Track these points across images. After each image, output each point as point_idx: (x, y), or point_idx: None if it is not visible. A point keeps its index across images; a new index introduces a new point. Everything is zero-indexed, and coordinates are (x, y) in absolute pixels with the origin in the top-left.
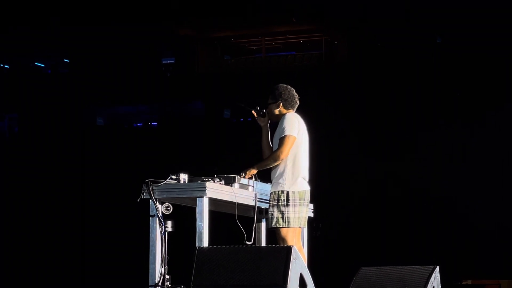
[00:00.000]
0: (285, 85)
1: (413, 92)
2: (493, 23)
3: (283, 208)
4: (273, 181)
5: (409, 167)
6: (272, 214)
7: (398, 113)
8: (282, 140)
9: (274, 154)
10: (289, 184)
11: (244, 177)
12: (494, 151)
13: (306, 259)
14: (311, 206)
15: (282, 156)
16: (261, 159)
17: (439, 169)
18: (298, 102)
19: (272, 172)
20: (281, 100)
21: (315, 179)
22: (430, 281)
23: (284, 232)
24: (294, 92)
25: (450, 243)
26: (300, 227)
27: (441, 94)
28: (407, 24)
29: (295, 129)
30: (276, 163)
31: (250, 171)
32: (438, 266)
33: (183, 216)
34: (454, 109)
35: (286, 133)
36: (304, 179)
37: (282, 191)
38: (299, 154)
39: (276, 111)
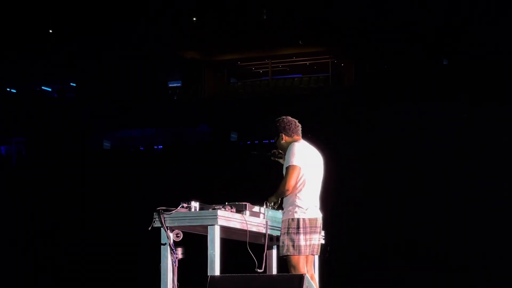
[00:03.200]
0: (279, 117)
1: (419, 110)
2: None
3: (293, 236)
4: (284, 209)
5: (418, 187)
6: (283, 242)
7: (404, 133)
8: (286, 171)
9: (281, 186)
10: (299, 212)
11: (274, 206)
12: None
13: (317, 287)
14: (322, 233)
15: (287, 186)
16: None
17: (443, 190)
18: (299, 125)
19: (284, 200)
20: (281, 131)
21: (324, 204)
22: None
23: (295, 260)
24: (290, 118)
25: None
26: (312, 255)
27: (446, 105)
28: (413, 45)
29: (299, 158)
30: (284, 194)
31: (270, 199)
32: None
33: (194, 241)
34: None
35: (289, 163)
36: (315, 206)
37: (293, 219)
38: (309, 182)
39: (283, 143)
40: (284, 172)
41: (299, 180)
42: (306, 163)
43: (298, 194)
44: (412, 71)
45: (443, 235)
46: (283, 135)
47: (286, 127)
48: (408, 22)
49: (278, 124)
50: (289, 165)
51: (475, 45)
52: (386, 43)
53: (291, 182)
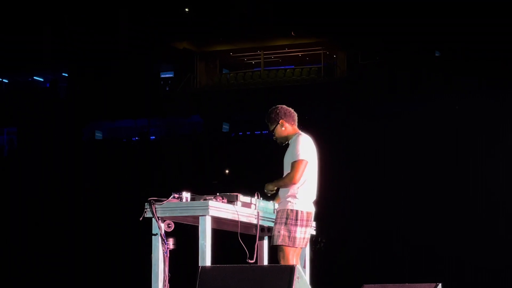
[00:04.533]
0: (275, 106)
1: (411, 101)
2: None
3: (291, 227)
4: (282, 199)
5: (410, 181)
6: (279, 232)
7: (397, 124)
8: (294, 164)
9: (287, 179)
10: (299, 204)
11: (272, 191)
12: None
13: (307, 279)
14: (313, 224)
15: (295, 181)
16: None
17: (437, 184)
18: (296, 114)
19: (282, 189)
20: (281, 118)
21: (319, 197)
22: None
23: (287, 250)
24: (287, 107)
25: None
26: (301, 248)
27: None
28: (406, 37)
29: (306, 152)
30: (288, 187)
31: (268, 187)
32: (440, 284)
33: (185, 231)
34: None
35: (300, 157)
36: (313, 200)
37: (292, 210)
38: (310, 176)
39: (283, 131)
40: (284, 162)
41: (303, 174)
42: (310, 157)
43: (300, 187)
44: (405, 63)
45: (441, 229)
46: (284, 121)
47: (287, 113)
48: (401, 14)
49: (278, 111)
50: (298, 160)
51: (468, 39)
52: (379, 35)
53: (298, 176)
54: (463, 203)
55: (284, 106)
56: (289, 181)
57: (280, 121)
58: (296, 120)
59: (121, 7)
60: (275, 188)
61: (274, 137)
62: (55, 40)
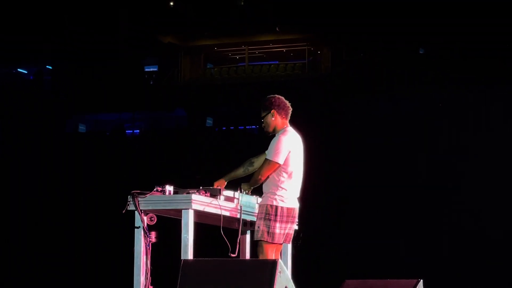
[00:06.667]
0: (273, 95)
1: (395, 98)
2: None
3: (270, 223)
4: (264, 194)
5: (395, 175)
6: (259, 227)
7: (380, 121)
8: (264, 163)
9: (255, 176)
10: (279, 199)
11: (248, 193)
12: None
13: (289, 274)
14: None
15: (260, 176)
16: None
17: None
18: (290, 108)
19: (264, 184)
20: (274, 108)
21: (301, 194)
22: None
23: (266, 246)
24: (284, 99)
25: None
26: (281, 244)
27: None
28: (390, 34)
29: (282, 154)
30: (258, 184)
31: (244, 187)
32: (422, 280)
33: (168, 225)
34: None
35: (271, 158)
36: (295, 197)
37: (271, 205)
38: (294, 173)
39: (272, 121)
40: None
41: (284, 172)
42: (292, 156)
43: (281, 185)
44: (389, 60)
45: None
46: (275, 112)
47: (281, 105)
48: (387, 10)
49: (272, 100)
50: (270, 160)
51: (452, 34)
52: (363, 31)
53: (266, 175)
54: (454, 199)
55: (281, 97)
56: (257, 177)
57: (272, 110)
58: (289, 115)
59: (121, 7)
60: (251, 187)
61: (262, 125)
62: (38, 32)
